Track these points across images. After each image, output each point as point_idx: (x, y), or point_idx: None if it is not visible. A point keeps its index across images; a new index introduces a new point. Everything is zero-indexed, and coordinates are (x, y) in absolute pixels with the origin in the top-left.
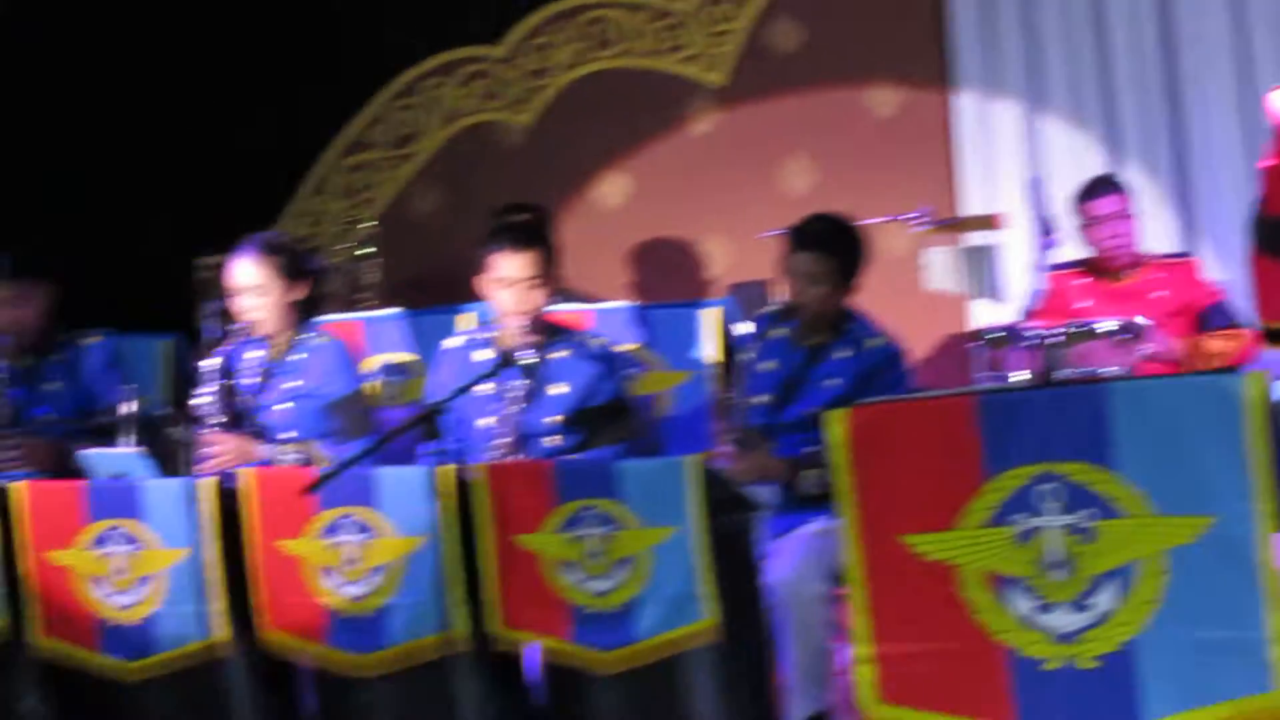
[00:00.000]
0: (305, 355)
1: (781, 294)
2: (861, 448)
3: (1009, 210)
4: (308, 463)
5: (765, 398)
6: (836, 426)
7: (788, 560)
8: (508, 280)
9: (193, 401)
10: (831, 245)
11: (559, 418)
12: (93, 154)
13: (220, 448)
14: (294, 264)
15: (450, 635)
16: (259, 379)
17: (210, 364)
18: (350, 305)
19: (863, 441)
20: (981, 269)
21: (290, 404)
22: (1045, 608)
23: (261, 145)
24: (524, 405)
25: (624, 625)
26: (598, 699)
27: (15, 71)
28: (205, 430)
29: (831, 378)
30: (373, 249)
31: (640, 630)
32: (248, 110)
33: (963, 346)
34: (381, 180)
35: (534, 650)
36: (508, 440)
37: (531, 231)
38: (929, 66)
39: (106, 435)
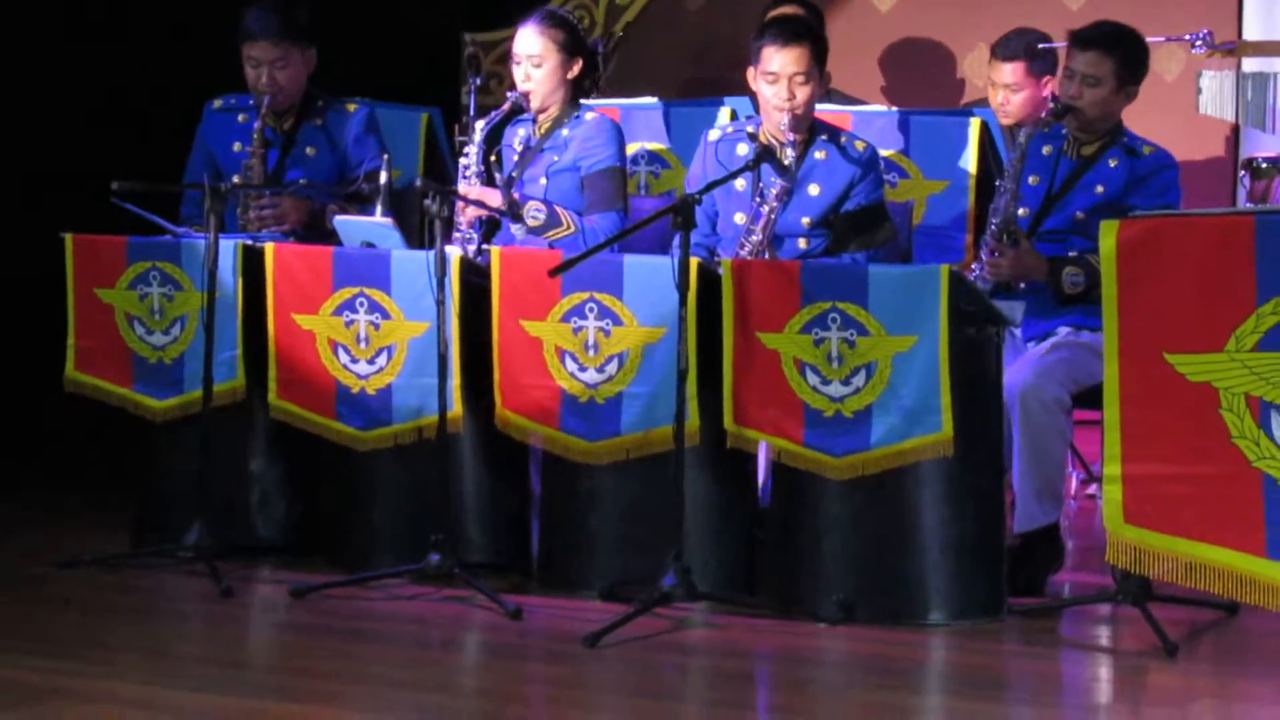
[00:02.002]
0: (570, 130)
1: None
2: (1132, 260)
3: None
4: (552, 221)
5: (1025, 211)
6: (1108, 237)
7: (1026, 365)
8: (776, 74)
9: (460, 161)
10: (1112, 46)
11: (810, 220)
12: None
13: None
14: (573, 41)
15: (682, 429)
16: (521, 154)
17: (480, 125)
18: (610, 92)
19: (1133, 254)
20: (1258, 97)
21: (544, 180)
22: None
23: None
24: (779, 204)
25: (858, 431)
26: (824, 504)
27: None
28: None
29: (1100, 184)
30: (629, 36)
31: (874, 438)
32: None
33: (1229, 174)
34: None
35: (764, 450)
36: (759, 238)
37: (804, 26)
38: None
39: (359, 201)
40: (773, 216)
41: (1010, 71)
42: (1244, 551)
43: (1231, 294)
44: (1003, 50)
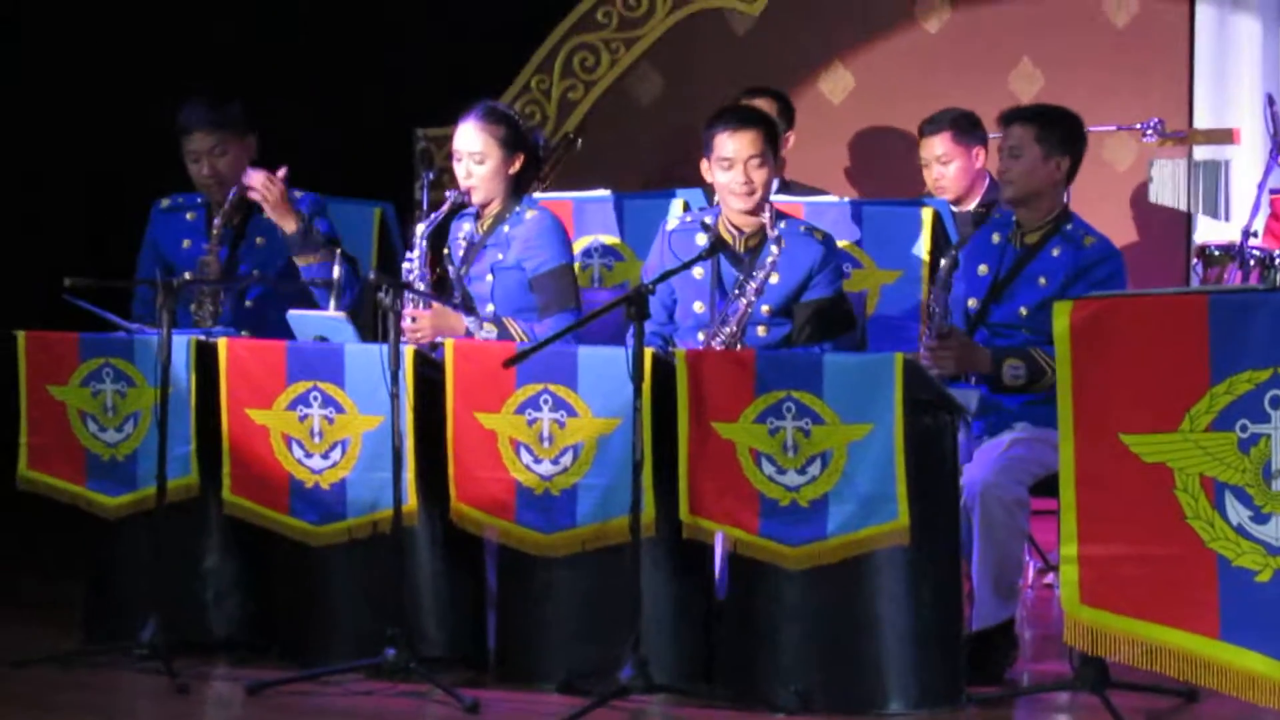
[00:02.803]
0: (512, 228)
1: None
2: (1085, 341)
3: (1240, 127)
4: (505, 340)
5: (974, 301)
6: (1061, 318)
7: (986, 463)
8: (731, 159)
9: (404, 265)
10: (1032, 117)
11: (770, 308)
12: (317, 23)
13: (419, 322)
14: (515, 136)
15: (638, 520)
16: (466, 250)
17: (421, 229)
18: (562, 185)
19: (1087, 335)
20: (1210, 184)
21: (490, 276)
22: (1262, 518)
23: (489, 21)
24: (756, 298)
25: (814, 521)
26: (781, 594)
27: None
28: (409, 298)
29: (1045, 275)
30: (586, 131)
31: (831, 527)
32: None
33: (1181, 263)
34: (604, 62)
35: (720, 541)
36: (733, 329)
37: (754, 111)
38: None
39: (310, 297)
40: (749, 310)
41: (938, 143)
42: (1198, 633)
43: (1185, 374)
44: (929, 127)
